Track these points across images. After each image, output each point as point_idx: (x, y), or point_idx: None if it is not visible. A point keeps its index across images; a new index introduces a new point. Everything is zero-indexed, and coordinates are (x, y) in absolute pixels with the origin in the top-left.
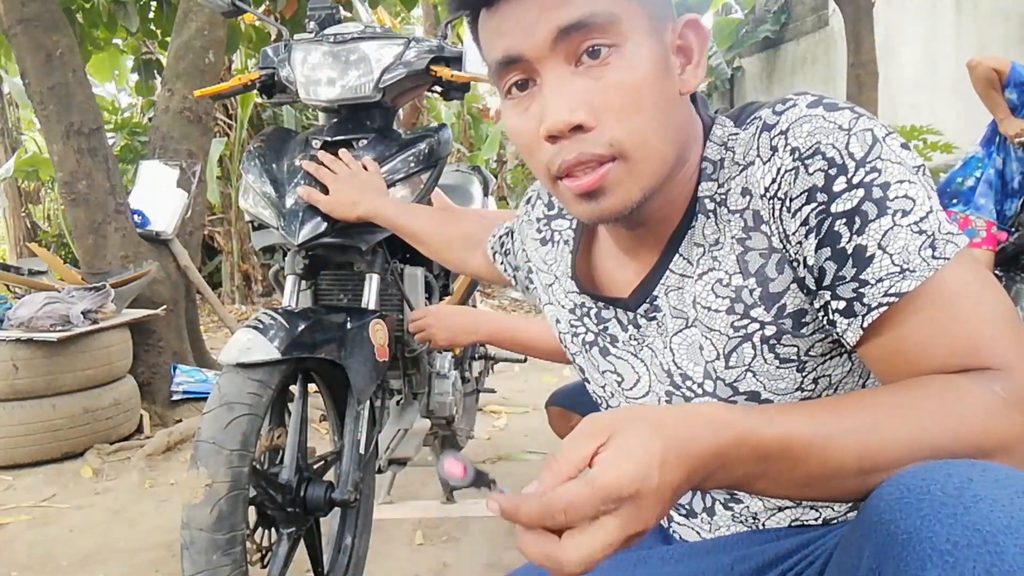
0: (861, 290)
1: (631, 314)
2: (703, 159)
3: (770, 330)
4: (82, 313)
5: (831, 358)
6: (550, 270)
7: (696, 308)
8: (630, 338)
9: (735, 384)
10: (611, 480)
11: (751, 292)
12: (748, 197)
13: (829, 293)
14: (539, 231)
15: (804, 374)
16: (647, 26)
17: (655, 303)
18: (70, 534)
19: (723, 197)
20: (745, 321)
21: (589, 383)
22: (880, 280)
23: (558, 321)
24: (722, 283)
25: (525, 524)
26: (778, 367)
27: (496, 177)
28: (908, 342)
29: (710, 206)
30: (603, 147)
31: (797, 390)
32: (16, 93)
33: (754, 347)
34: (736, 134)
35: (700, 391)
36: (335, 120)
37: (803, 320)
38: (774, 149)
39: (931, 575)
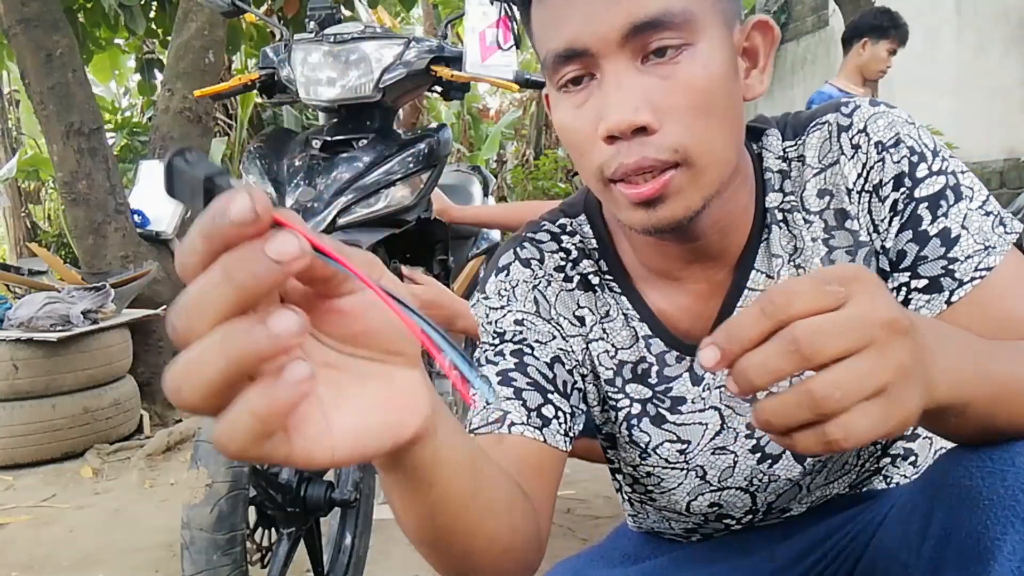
0: (951, 267)
1: None
2: (764, 170)
3: None
4: (82, 313)
5: None
6: (606, 313)
7: None
8: (703, 390)
9: None
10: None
11: None
12: (828, 197)
13: (908, 273)
14: (568, 279)
15: None
16: (720, 25)
17: None
18: (70, 534)
19: (793, 204)
20: None
21: (624, 468)
22: (969, 256)
23: (585, 398)
24: None
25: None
26: None
27: (496, 177)
28: (994, 312)
29: (780, 216)
30: (667, 152)
31: None
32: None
33: None
34: (793, 144)
35: None
36: (335, 120)
37: None
38: (856, 147)
39: (1011, 538)
